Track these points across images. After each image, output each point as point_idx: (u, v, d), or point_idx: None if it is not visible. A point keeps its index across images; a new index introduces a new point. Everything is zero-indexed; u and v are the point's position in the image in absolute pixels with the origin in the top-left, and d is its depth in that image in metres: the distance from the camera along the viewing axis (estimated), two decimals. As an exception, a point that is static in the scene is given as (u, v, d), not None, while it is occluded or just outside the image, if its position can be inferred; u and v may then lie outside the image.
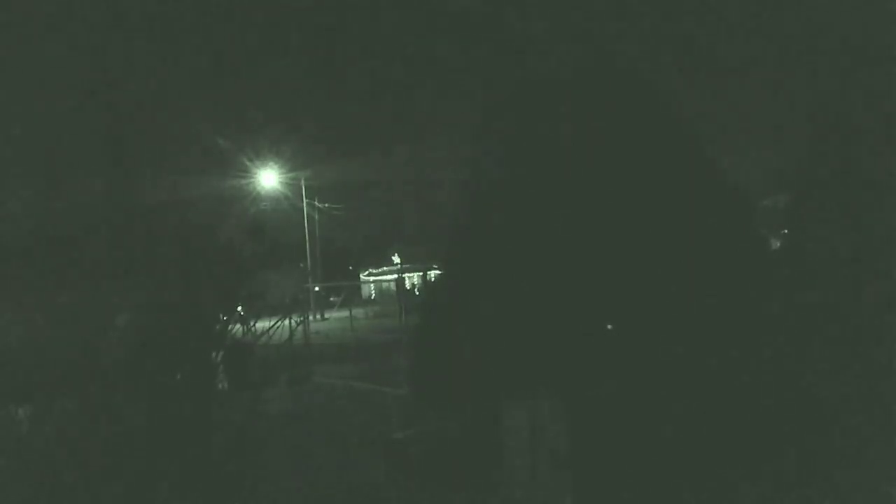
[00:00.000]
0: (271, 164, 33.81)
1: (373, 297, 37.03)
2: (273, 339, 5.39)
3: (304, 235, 36.24)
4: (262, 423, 5.01)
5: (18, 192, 5.71)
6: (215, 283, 4.92)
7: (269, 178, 34.05)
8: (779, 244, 6.76)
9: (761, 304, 4.85)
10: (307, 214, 36.81)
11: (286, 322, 5.53)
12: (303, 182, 36.38)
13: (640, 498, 4.34)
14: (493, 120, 5.79)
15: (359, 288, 39.70)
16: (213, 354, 4.82)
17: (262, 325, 5.34)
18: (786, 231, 6.28)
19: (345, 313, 25.29)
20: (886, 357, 4.66)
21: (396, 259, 40.81)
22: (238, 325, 5.10)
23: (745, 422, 4.46)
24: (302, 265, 34.69)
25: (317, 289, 31.01)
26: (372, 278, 41.31)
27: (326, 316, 29.06)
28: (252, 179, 32.52)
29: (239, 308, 5.25)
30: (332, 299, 32.62)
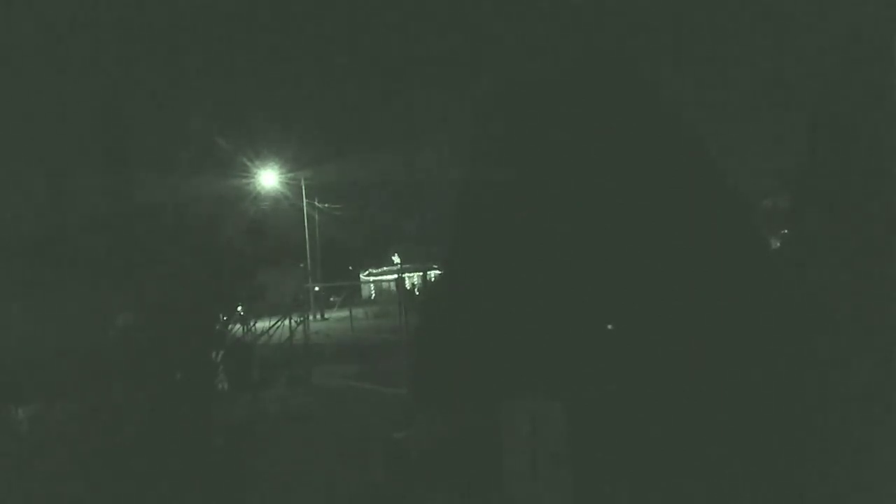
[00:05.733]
0: (271, 164, 33.81)
1: (373, 297, 37.03)
2: (273, 339, 5.40)
3: (304, 235, 36.24)
4: (262, 423, 5.02)
5: (19, 191, 5.71)
6: (215, 283, 4.92)
7: (269, 178, 34.02)
8: (779, 244, 6.76)
9: (761, 304, 4.85)
10: (307, 214, 36.82)
11: (286, 322, 5.54)
12: (303, 182, 36.38)
13: (641, 498, 4.34)
14: (493, 119, 5.79)
15: (359, 288, 39.68)
16: (213, 354, 4.83)
17: (262, 325, 5.34)
18: (786, 231, 6.28)
19: (345, 313, 25.28)
20: (887, 356, 4.66)
21: (396, 259, 40.82)
22: (238, 325, 5.11)
23: (745, 421, 4.46)
24: (302, 265, 34.69)
25: (317, 289, 31.01)
26: (372, 278, 41.33)
27: (326, 316, 29.05)
28: (252, 179, 32.48)
29: (239, 308, 5.26)
30: (332, 299, 32.62)
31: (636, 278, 4.81)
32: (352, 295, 32.87)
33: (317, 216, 37.59)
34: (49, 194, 5.66)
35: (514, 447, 4.42)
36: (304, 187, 36.52)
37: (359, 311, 26.88)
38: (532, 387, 4.57)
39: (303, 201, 36.55)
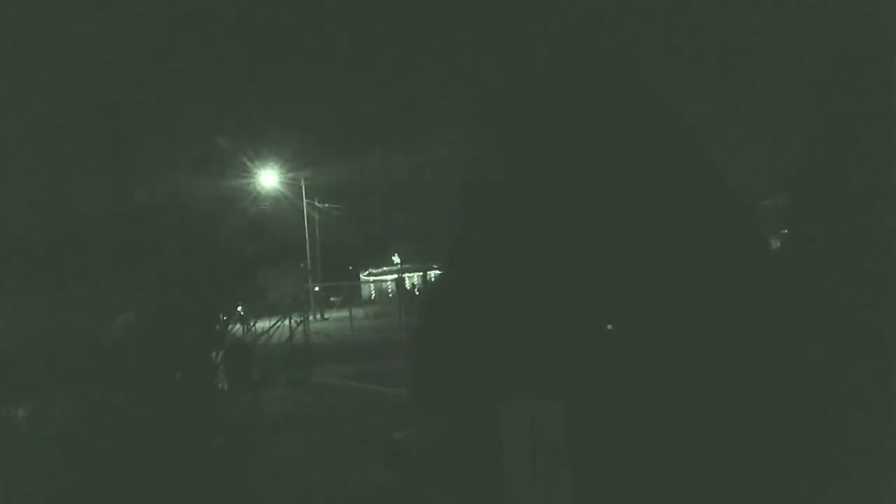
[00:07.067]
0: (271, 164, 33.87)
1: (373, 297, 37.07)
2: (273, 339, 5.40)
3: (304, 235, 36.27)
4: (262, 423, 5.01)
5: (19, 191, 5.71)
6: (215, 282, 4.92)
7: (269, 178, 34.10)
8: (779, 244, 6.76)
9: (761, 304, 4.86)
10: (307, 214, 36.86)
11: (286, 322, 5.54)
12: (303, 182, 36.44)
13: (641, 498, 4.34)
14: (494, 119, 5.80)
15: (359, 288, 39.70)
16: (213, 354, 4.83)
17: (262, 325, 5.34)
18: (786, 231, 6.28)
19: (345, 313, 25.34)
20: (887, 357, 4.66)
21: (396, 259, 40.83)
22: (238, 325, 5.11)
23: (745, 421, 4.46)
24: (302, 265, 34.72)
25: (317, 289, 31.03)
26: (372, 278, 41.35)
27: (326, 316, 29.09)
28: (252, 179, 32.55)
29: (239, 308, 5.26)
30: (332, 299, 32.64)
31: (636, 279, 4.82)
32: (352, 295, 32.90)
33: (317, 216, 37.65)
34: (49, 194, 5.67)
35: (514, 447, 4.42)
36: (304, 187, 36.58)
37: (359, 311, 26.93)
38: (532, 387, 4.57)
39: (303, 201, 36.60)
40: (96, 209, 5.68)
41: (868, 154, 5.26)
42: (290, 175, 35.30)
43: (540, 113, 5.49)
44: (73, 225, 5.28)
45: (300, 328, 11.72)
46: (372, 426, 6.95)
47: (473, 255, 5.49)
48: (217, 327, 4.90)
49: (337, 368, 12.16)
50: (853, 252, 5.10)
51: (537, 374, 4.70)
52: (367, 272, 43.44)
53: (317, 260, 36.69)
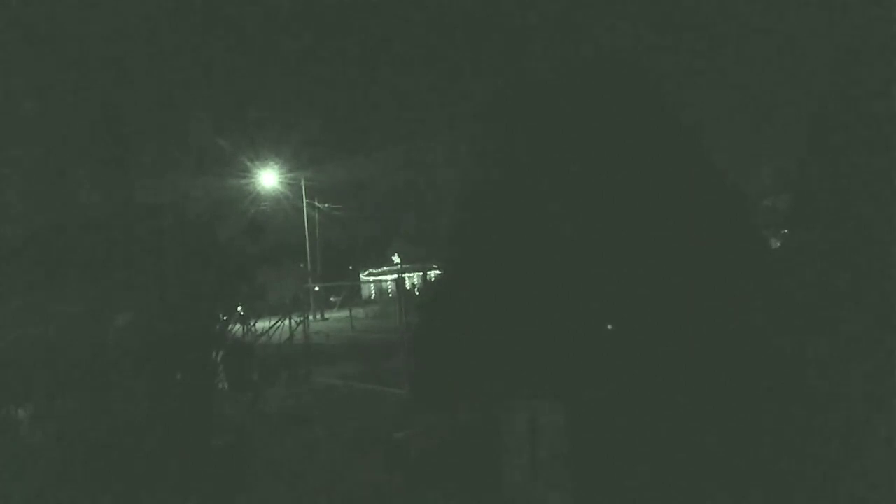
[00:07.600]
0: (271, 164, 33.91)
1: (373, 297, 37.05)
2: (273, 339, 5.40)
3: (304, 235, 36.28)
4: (262, 423, 5.02)
5: (19, 191, 5.71)
6: (215, 282, 4.92)
7: (269, 178, 34.13)
8: (779, 244, 6.76)
9: (761, 304, 4.85)
10: (307, 214, 36.87)
11: (286, 322, 5.53)
12: (303, 182, 36.46)
13: (641, 498, 4.34)
14: (493, 119, 5.79)
15: (359, 288, 39.69)
16: (213, 354, 4.82)
17: (262, 325, 5.34)
18: (786, 231, 6.28)
19: (345, 313, 25.32)
20: (886, 357, 4.66)
21: (396, 259, 40.85)
22: (238, 325, 5.11)
23: (745, 421, 4.46)
24: (302, 265, 34.74)
25: (317, 289, 31.01)
26: (372, 278, 41.33)
27: (326, 316, 29.06)
28: (252, 179, 32.58)
29: (239, 308, 5.26)
30: (332, 299, 32.61)
31: (636, 278, 4.81)
32: (352, 295, 32.87)
33: (317, 216, 37.66)
34: (49, 194, 5.67)
35: (514, 447, 4.42)
36: (304, 187, 36.59)
37: (359, 311, 26.92)
38: (532, 387, 4.58)
39: (303, 201, 36.61)
40: (96, 209, 5.67)
41: (868, 154, 5.26)
42: (290, 175, 35.34)
43: (541, 113, 5.49)
44: (73, 225, 5.27)
45: (300, 328, 11.72)
46: (372, 426, 6.95)
47: (473, 255, 5.49)
48: (217, 327, 4.90)
49: (337, 368, 12.16)
50: (853, 252, 5.10)
51: (537, 374, 4.70)
52: (367, 272, 43.43)
53: (317, 260, 36.69)
